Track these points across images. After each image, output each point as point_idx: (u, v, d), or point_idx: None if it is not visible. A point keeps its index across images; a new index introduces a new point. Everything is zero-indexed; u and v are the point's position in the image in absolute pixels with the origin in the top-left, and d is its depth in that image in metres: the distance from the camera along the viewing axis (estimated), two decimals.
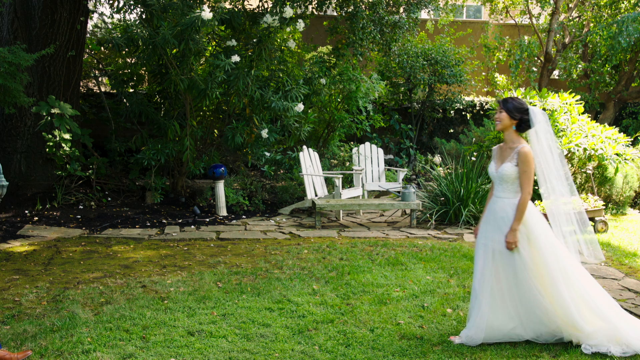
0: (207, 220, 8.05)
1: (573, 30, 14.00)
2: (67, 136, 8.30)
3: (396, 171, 9.78)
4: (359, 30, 9.67)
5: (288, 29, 9.27)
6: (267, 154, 9.13)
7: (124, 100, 9.04)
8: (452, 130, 13.51)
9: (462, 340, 3.80)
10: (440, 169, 10.31)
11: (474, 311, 3.80)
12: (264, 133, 8.44)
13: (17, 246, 6.41)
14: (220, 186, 8.45)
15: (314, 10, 9.81)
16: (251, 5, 9.41)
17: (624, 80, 13.33)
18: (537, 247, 3.71)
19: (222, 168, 8.42)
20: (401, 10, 10.53)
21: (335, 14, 10.42)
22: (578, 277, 3.77)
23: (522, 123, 3.77)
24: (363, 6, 9.81)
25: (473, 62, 13.89)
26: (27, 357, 3.51)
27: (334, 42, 10.35)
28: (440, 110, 13.38)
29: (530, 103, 8.81)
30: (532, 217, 3.76)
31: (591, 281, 3.83)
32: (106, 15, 11.03)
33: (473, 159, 8.64)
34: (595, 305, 3.70)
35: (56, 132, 8.24)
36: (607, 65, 13.23)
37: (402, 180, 9.44)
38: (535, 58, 14.14)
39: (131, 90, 9.40)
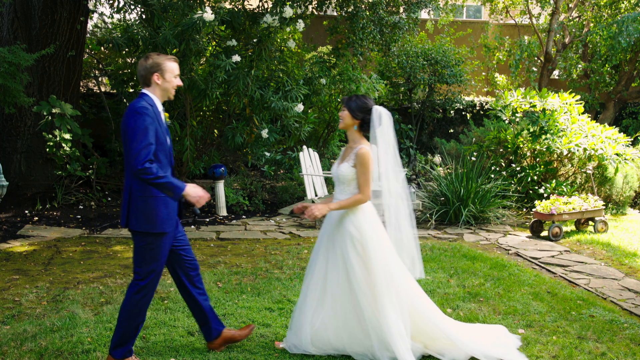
0: (207, 220, 8.05)
1: (573, 30, 14.00)
2: (67, 136, 8.30)
3: None
4: (359, 30, 9.66)
5: (288, 29, 9.27)
6: (267, 154, 9.13)
7: (124, 100, 9.04)
8: (452, 130, 13.51)
9: (285, 346, 3.67)
10: (440, 169, 10.32)
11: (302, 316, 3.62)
12: (264, 133, 8.44)
13: (17, 246, 6.41)
14: (220, 186, 8.46)
15: (314, 10, 9.80)
16: (251, 5, 9.41)
17: (624, 80, 13.33)
18: (368, 259, 3.48)
19: (222, 168, 8.42)
20: (401, 10, 10.53)
21: (335, 14, 10.41)
22: (418, 295, 3.61)
23: (365, 123, 3.58)
24: (363, 6, 9.80)
25: (473, 62, 13.88)
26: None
27: (334, 42, 10.34)
28: (440, 110, 13.38)
29: (530, 103, 8.82)
30: (369, 225, 3.55)
31: (428, 300, 3.68)
32: (106, 15, 11.03)
33: (473, 159, 8.64)
34: (442, 324, 3.57)
35: (56, 132, 8.24)
36: (607, 65, 13.23)
37: None
38: (535, 58, 14.13)
39: (131, 90, 9.40)
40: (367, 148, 3.54)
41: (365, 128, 3.60)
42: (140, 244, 3.30)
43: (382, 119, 3.58)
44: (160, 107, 3.33)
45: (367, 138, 3.64)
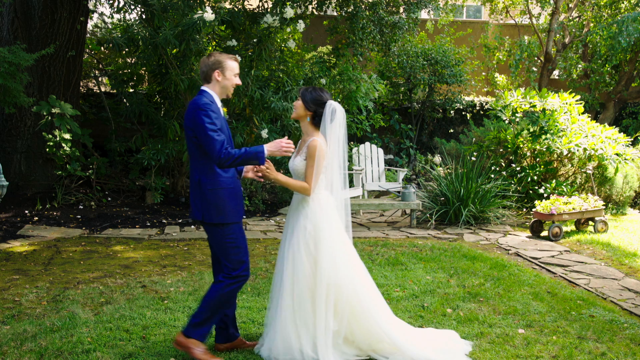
0: None
1: (573, 30, 14.00)
2: (67, 136, 8.30)
3: (396, 171, 9.78)
4: (358, 31, 9.67)
5: (288, 29, 9.27)
6: None
7: (124, 100, 9.03)
8: (452, 130, 13.51)
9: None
10: (440, 169, 10.31)
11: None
12: (264, 133, 8.43)
13: (17, 246, 6.41)
14: None
15: (314, 10, 9.81)
16: (251, 5, 9.41)
17: (624, 80, 13.33)
18: (318, 253, 3.46)
19: None
20: (401, 10, 10.53)
21: (335, 14, 10.42)
22: (370, 295, 3.54)
23: (317, 116, 3.54)
24: (363, 6, 9.81)
25: (473, 62, 13.88)
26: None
27: (334, 42, 10.35)
28: (440, 110, 13.38)
29: (530, 103, 8.82)
30: (325, 218, 3.51)
31: (382, 301, 3.61)
32: (106, 15, 11.02)
33: (473, 159, 8.64)
34: (387, 326, 3.50)
35: (56, 132, 8.24)
36: (607, 65, 13.23)
37: (402, 180, 9.44)
38: (535, 58, 14.14)
39: (131, 90, 9.40)
40: (319, 140, 3.51)
41: (317, 121, 3.56)
42: (217, 237, 3.40)
43: (335, 115, 3.54)
44: (219, 104, 3.44)
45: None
